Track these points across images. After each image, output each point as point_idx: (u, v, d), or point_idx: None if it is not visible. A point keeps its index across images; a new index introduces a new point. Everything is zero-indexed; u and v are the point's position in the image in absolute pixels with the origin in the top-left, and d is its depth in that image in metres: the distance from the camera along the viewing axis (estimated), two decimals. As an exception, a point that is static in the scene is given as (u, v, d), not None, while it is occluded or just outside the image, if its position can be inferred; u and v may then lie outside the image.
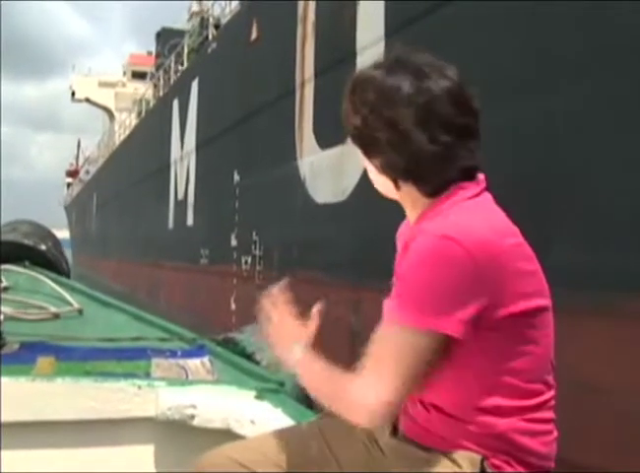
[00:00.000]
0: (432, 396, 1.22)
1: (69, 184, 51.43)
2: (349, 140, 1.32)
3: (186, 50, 16.00)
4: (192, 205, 13.76)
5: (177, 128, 15.27)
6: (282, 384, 2.00)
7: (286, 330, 1.32)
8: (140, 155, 20.20)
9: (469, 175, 1.22)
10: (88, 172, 38.28)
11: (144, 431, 1.87)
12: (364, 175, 1.44)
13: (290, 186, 8.54)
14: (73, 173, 50.74)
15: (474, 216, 1.17)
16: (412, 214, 1.27)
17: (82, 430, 1.85)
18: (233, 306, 10.69)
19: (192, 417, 1.81)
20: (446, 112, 1.17)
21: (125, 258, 21.19)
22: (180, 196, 14.79)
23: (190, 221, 13.85)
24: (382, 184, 1.27)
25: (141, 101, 22.48)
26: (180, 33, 20.31)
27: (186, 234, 14.15)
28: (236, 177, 10.87)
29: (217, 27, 13.63)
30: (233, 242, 10.84)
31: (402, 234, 1.33)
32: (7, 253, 3.72)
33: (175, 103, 15.59)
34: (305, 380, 1.27)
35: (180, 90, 15.43)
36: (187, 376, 2.07)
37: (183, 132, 14.71)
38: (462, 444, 1.19)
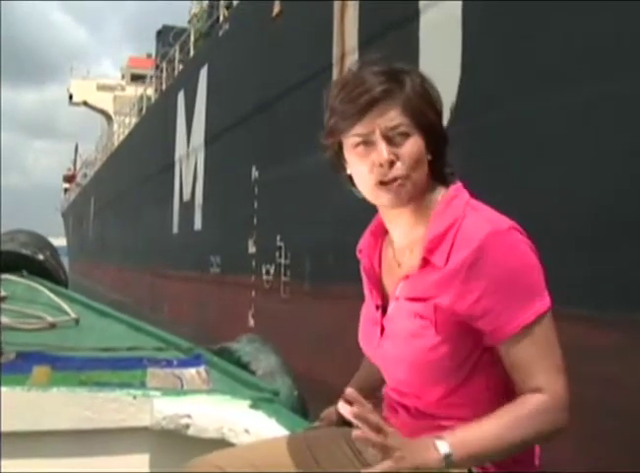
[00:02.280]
0: (421, 403, 1.24)
1: (66, 190, 51.01)
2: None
3: (192, 38, 14.55)
4: (200, 207, 12.30)
5: (183, 122, 13.83)
6: (276, 394, 2.02)
7: (402, 440, 1.13)
8: (140, 154, 18.81)
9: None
10: (85, 176, 37.10)
11: (139, 440, 1.87)
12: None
13: (326, 179, 7.05)
14: (70, 178, 50.46)
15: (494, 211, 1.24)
16: (407, 213, 1.27)
17: (77, 439, 1.86)
18: (252, 323, 9.21)
19: (187, 426, 1.81)
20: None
21: (125, 266, 19.83)
22: (186, 197, 13.34)
23: (198, 224, 12.39)
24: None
25: (142, 97, 21.02)
26: (182, 32, 18.86)
27: (194, 239, 12.69)
28: (255, 173, 9.40)
29: (228, 8, 12.17)
30: (251, 249, 9.38)
31: (368, 246, 1.36)
32: (5, 263, 3.72)
33: (181, 96, 14.16)
34: (477, 458, 1.13)
35: (186, 80, 14.01)
36: (182, 386, 2.06)
37: (190, 126, 13.27)
38: None
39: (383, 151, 1.19)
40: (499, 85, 4.75)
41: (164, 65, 16.89)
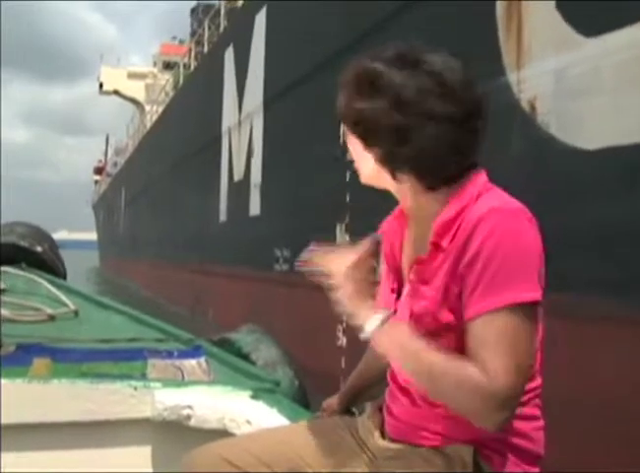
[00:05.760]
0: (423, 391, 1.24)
1: (97, 182, 49.97)
2: None
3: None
4: (258, 186, 9.78)
5: (232, 85, 11.33)
6: (277, 384, 2.03)
7: (354, 290, 1.23)
8: (178, 131, 16.38)
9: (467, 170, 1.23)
10: (115, 165, 35.11)
11: (140, 432, 1.89)
12: None
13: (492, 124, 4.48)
14: (101, 170, 49.61)
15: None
16: (413, 203, 1.27)
17: (78, 431, 1.86)
18: (343, 341, 6.65)
19: (188, 417, 1.82)
20: (444, 104, 1.16)
21: (160, 261, 17.48)
22: (238, 176, 10.84)
23: (255, 209, 9.87)
24: (373, 170, 1.26)
25: (178, 68, 18.57)
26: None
27: (249, 227, 10.18)
28: (345, 134, 6.82)
29: None
30: (341, 238, 6.82)
31: (390, 230, 1.34)
32: (3, 255, 3.76)
33: (229, 53, 11.66)
34: (394, 356, 1.20)
35: (236, 33, 11.50)
36: (183, 377, 2.06)
37: (242, 88, 10.77)
38: (452, 437, 1.20)
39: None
40: None
41: (207, 23, 14.35)
